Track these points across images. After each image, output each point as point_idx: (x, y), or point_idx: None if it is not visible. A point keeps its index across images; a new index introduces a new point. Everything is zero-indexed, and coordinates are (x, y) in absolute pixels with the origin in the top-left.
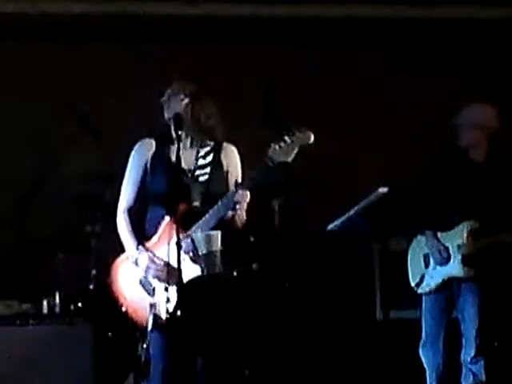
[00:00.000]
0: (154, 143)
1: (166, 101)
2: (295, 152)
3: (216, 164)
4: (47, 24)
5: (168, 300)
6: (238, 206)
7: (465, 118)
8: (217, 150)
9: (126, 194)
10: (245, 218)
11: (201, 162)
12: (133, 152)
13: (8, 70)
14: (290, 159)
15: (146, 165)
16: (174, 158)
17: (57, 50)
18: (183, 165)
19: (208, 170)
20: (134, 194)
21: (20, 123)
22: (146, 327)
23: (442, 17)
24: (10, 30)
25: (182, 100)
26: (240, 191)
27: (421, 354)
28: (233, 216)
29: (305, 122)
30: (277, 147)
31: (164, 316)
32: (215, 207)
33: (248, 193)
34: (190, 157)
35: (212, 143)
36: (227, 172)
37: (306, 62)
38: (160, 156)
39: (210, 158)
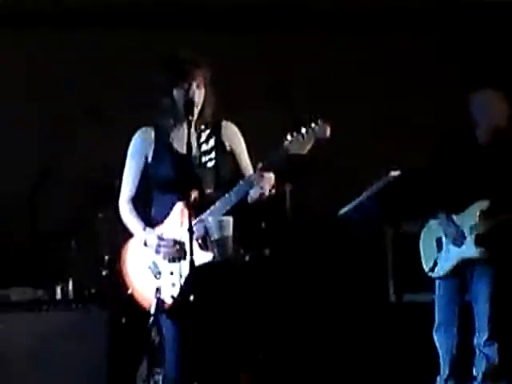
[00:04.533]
0: (152, 131)
1: (169, 87)
2: (311, 145)
3: (219, 147)
4: (57, 12)
5: (173, 284)
6: (259, 190)
7: (482, 116)
8: (217, 132)
9: (129, 184)
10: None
11: (204, 147)
12: (132, 141)
13: (21, 59)
14: (305, 151)
15: (147, 154)
16: (176, 146)
17: (69, 39)
18: (187, 151)
19: (213, 155)
20: (136, 183)
21: (32, 114)
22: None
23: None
24: (21, 18)
25: (188, 87)
26: (257, 174)
27: (435, 337)
28: (260, 196)
29: (316, 106)
30: (293, 139)
31: (168, 300)
32: (226, 195)
33: (272, 175)
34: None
35: (210, 125)
36: (231, 152)
37: (316, 49)
38: (162, 144)
39: (212, 142)
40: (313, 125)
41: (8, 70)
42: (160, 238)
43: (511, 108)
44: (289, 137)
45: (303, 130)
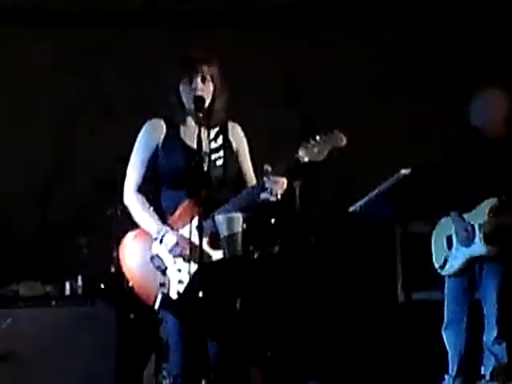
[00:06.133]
0: (163, 124)
1: (181, 82)
2: (326, 153)
3: (227, 146)
4: (67, 10)
5: (180, 281)
6: (269, 194)
7: (481, 117)
8: (224, 131)
9: (135, 174)
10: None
11: (213, 144)
12: (141, 132)
13: (32, 57)
14: (320, 159)
15: (156, 146)
16: (186, 140)
17: (79, 35)
18: (197, 146)
19: (221, 153)
20: (143, 174)
21: (45, 107)
22: (154, 305)
23: None
24: (30, 16)
25: (191, 80)
26: (271, 178)
27: (444, 335)
28: (267, 199)
29: (326, 103)
30: (308, 146)
31: (174, 296)
32: (238, 196)
33: (284, 180)
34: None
35: (218, 123)
36: (236, 152)
37: (324, 44)
38: (172, 137)
39: (220, 141)
40: (329, 134)
41: (22, 66)
42: (180, 237)
43: None
44: (303, 144)
45: (318, 139)
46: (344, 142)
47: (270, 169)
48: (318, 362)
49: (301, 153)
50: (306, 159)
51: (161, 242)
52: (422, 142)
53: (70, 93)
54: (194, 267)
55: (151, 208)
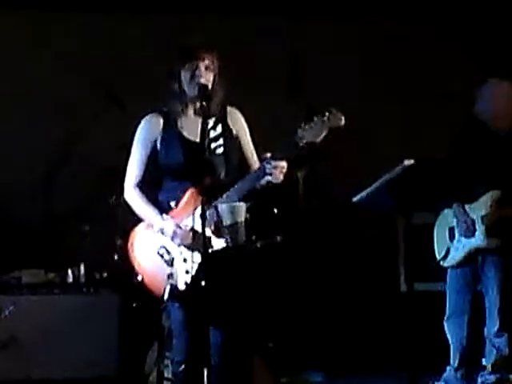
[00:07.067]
0: (160, 118)
1: (182, 72)
2: (324, 133)
3: (227, 133)
4: None
5: (187, 271)
6: (271, 178)
7: (488, 107)
8: (223, 117)
9: (135, 170)
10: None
11: (212, 134)
12: (139, 128)
13: (37, 42)
14: (318, 140)
15: (155, 141)
16: (184, 132)
17: (84, 22)
18: (196, 138)
19: (221, 141)
20: (142, 169)
21: (47, 96)
22: (163, 297)
23: None
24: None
25: (195, 67)
26: (272, 163)
27: (445, 327)
28: (269, 183)
29: (329, 93)
30: (306, 127)
31: (182, 287)
32: (239, 183)
33: (284, 164)
34: (197, 129)
35: (215, 111)
36: (237, 137)
37: (329, 35)
38: (170, 130)
39: (219, 129)
40: (326, 113)
41: (24, 53)
42: (177, 226)
43: None
44: (302, 125)
45: (316, 119)
46: (342, 121)
47: (269, 155)
48: (320, 352)
49: (299, 134)
50: (305, 140)
51: (162, 233)
52: (425, 133)
53: (73, 81)
54: (197, 257)
55: (150, 202)
